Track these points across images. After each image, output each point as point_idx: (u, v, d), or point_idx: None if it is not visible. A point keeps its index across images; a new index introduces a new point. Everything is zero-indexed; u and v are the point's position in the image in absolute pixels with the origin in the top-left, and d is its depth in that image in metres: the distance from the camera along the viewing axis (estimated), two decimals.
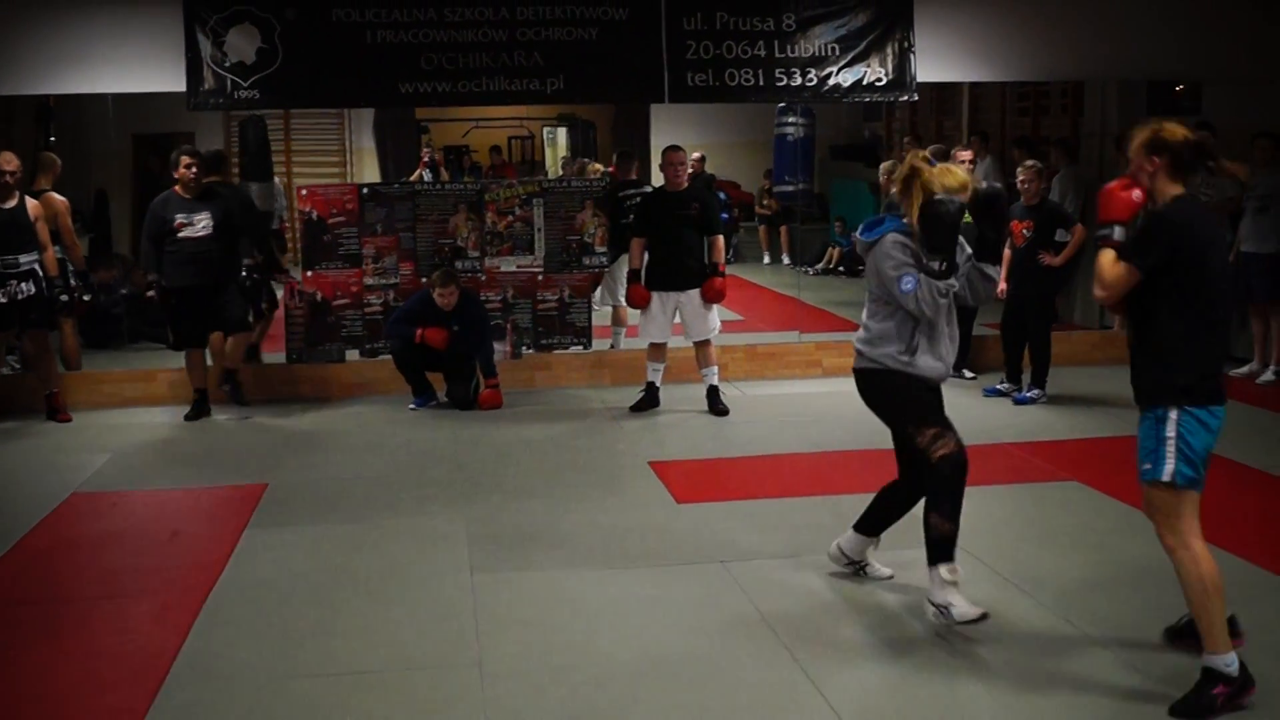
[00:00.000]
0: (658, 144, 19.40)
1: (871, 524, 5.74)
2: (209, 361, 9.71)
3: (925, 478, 5.26)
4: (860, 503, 6.92)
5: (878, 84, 10.21)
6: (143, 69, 9.59)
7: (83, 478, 7.79)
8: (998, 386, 9.90)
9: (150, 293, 9.32)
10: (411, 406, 9.67)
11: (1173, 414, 4.48)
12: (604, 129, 20.35)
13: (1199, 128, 10.49)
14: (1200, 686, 4.40)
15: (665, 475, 7.59)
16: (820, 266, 17.54)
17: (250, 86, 9.55)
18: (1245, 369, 10.40)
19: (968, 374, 10.59)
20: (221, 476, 7.90)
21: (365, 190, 10.50)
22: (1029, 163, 9.71)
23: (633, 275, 9.42)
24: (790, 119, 17.24)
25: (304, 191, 10.45)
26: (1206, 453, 4.50)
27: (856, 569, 5.79)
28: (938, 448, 5.17)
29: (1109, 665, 4.84)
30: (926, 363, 5.27)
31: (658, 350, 9.47)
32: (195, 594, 5.73)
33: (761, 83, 10.07)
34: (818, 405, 9.43)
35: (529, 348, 10.43)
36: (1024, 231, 9.44)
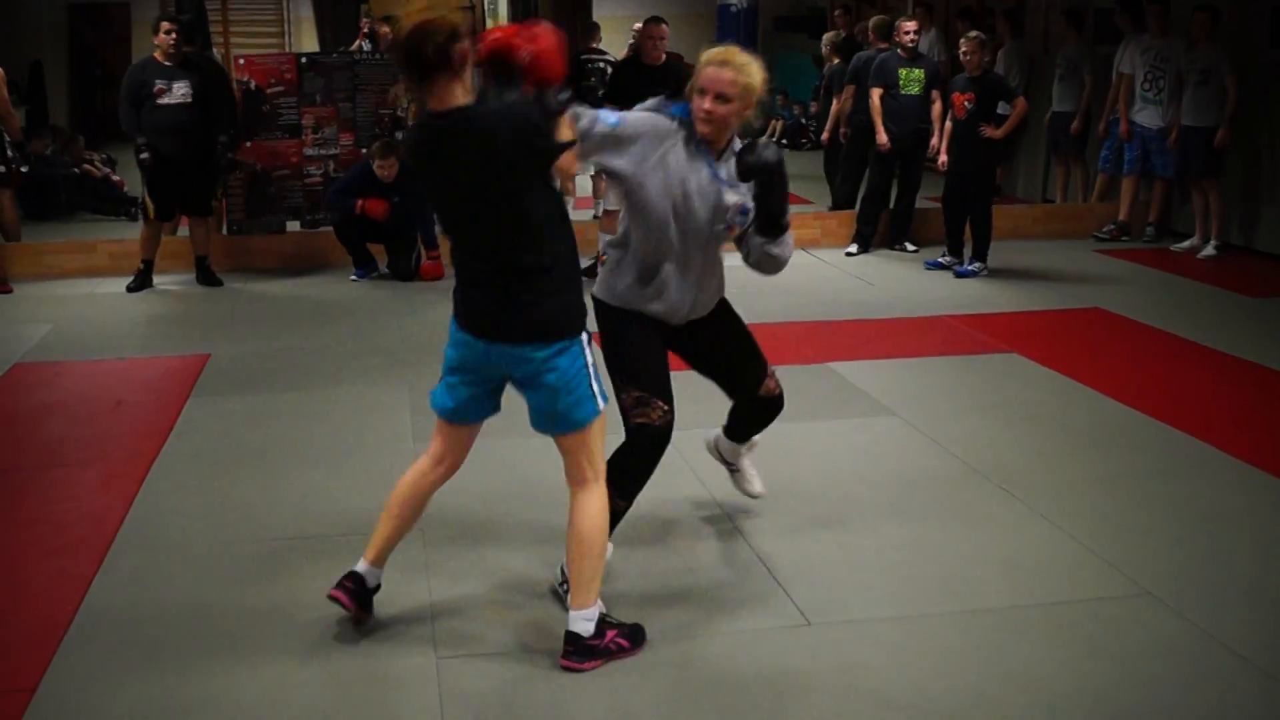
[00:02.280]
0: (600, 14, 19.14)
1: (737, 434, 4.98)
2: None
3: (621, 448, 4.32)
4: (801, 373, 7.04)
5: None
6: None
7: (25, 349, 7.74)
8: (939, 260, 9.97)
9: (143, 155, 9.11)
10: (353, 277, 9.64)
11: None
12: None
13: (1153, 1, 10.53)
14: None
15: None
16: (763, 140, 17.48)
17: None
18: (1186, 244, 10.52)
19: (910, 247, 10.67)
20: (164, 347, 7.87)
21: (304, 60, 10.34)
22: (972, 34, 9.67)
23: None
24: None
25: (242, 61, 10.29)
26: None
27: (728, 469, 5.10)
28: (637, 414, 4.28)
29: (1041, 530, 4.95)
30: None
31: (611, 220, 9.44)
32: (139, 462, 5.74)
33: None
34: (760, 277, 9.42)
35: None
36: (965, 104, 9.44)
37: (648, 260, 4.28)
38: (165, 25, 9.20)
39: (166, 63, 9.13)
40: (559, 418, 3.92)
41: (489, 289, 3.83)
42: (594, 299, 4.36)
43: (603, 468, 4.02)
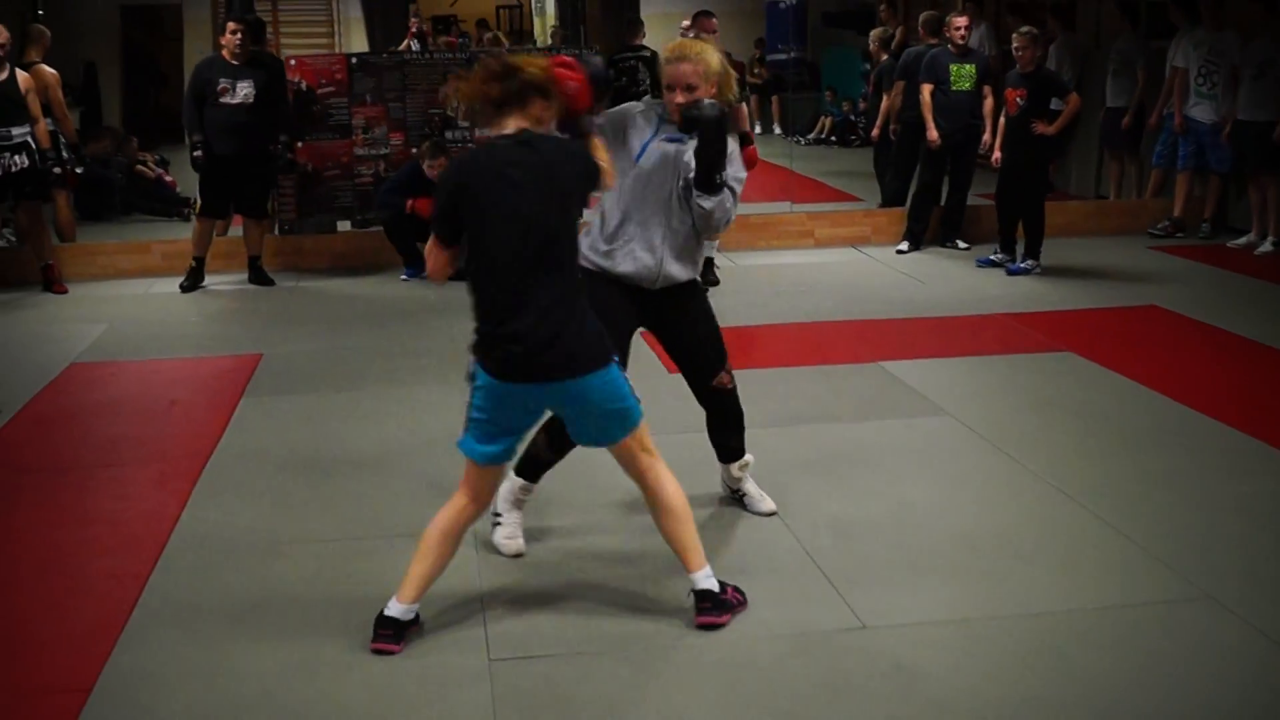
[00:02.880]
0: (647, 12, 19.07)
1: (724, 451, 5.08)
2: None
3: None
4: (852, 372, 7.01)
5: None
6: None
7: (80, 348, 7.81)
8: (991, 257, 9.89)
9: (196, 153, 9.20)
10: (404, 277, 9.67)
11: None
12: None
13: None
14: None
15: (656, 344, 7.59)
16: (812, 136, 17.41)
17: None
18: (1243, 240, 10.39)
19: (961, 244, 10.59)
20: (217, 347, 7.92)
21: (354, 60, 10.38)
22: (1024, 29, 9.58)
23: None
24: None
25: (293, 62, 10.34)
26: None
27: (736, 497, 5.15)
28: None
29: (1098, 533, 4.89)
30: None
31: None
32: (194, 462, 5.78)
33: None
34: (810, 275, 9.43)
35: None
36: (1018, 100, 9.36)
37: (612, 221, 4.59)
38: (231, 25, 9.29)
39: (233, 62, 9.20)
40: (607, 431, 4.03)
41: (524, 322, 3.86)
42: None
43: (654, 447, 4.13)
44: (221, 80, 9.14)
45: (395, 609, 4.04)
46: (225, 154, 9.17)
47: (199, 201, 9.33)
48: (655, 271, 4.63)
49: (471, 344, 4.01)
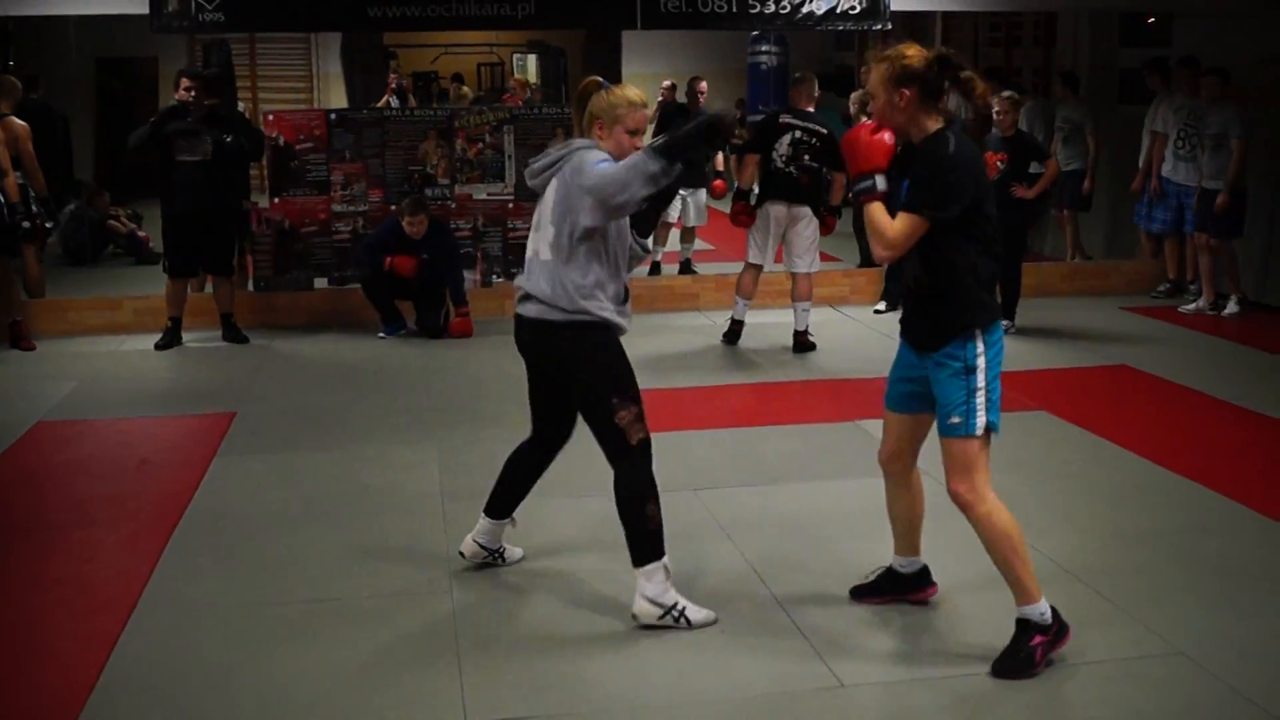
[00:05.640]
0: (629, 72, 19.19)
1: (504, 504, 5.04)
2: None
3: (618, 463, 4.56)
4: (830, 431, 7.00)
5: (851, 12, 10.13)
6: None
7: (48, 406, 7.74)
8: None
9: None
10: (381, 335, 9.64)
11: (980, 361, 4.17)
12: (575, 56, 20.16)
13: (1183, 63, 10.55)
14: (1018, 640, 4.22)
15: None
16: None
17: (215, 9, 9.38)
18: (1193, 306, 10.42)
19: None
20: (189, 405, 7.86)
21: (333, 116, 10.39)
22: (1006, 93, 9.65)
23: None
24: (763, 47, 17.16)
25: (270, 117, 10.34)
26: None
27: (494, 557, 5.10)
28: (637, 429, 4.52)
29: (1072, 589, 4.88)
30: (626, 312, 4.65)
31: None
32: (164, 522, 5.71)
33: (735, 9, 9.97)
34: (789, 335, 9.43)
35: (499, 276, 10.39)
36: (998, 164, 9.42)
37: (611, 284, 4.58)
38: (184, 82, 9.13)
39: (188, 118, 9.15)
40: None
41: None
42: (599, 319, 4.53)
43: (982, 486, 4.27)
44: (180, 138, 9.05)
45: (1032, 611, 4.22)
46: (186, 211, 9.13)
47: (167, 262, 9.23)
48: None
49: (975, 319, 4.18)
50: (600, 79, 4.68)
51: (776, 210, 9.02)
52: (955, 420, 4.20)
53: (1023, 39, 14.61)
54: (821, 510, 5.77)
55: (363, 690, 4.14)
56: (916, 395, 4.45)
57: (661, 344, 9.20)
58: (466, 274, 9.95)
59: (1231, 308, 10.23)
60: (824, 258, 12.25)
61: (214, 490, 6.19)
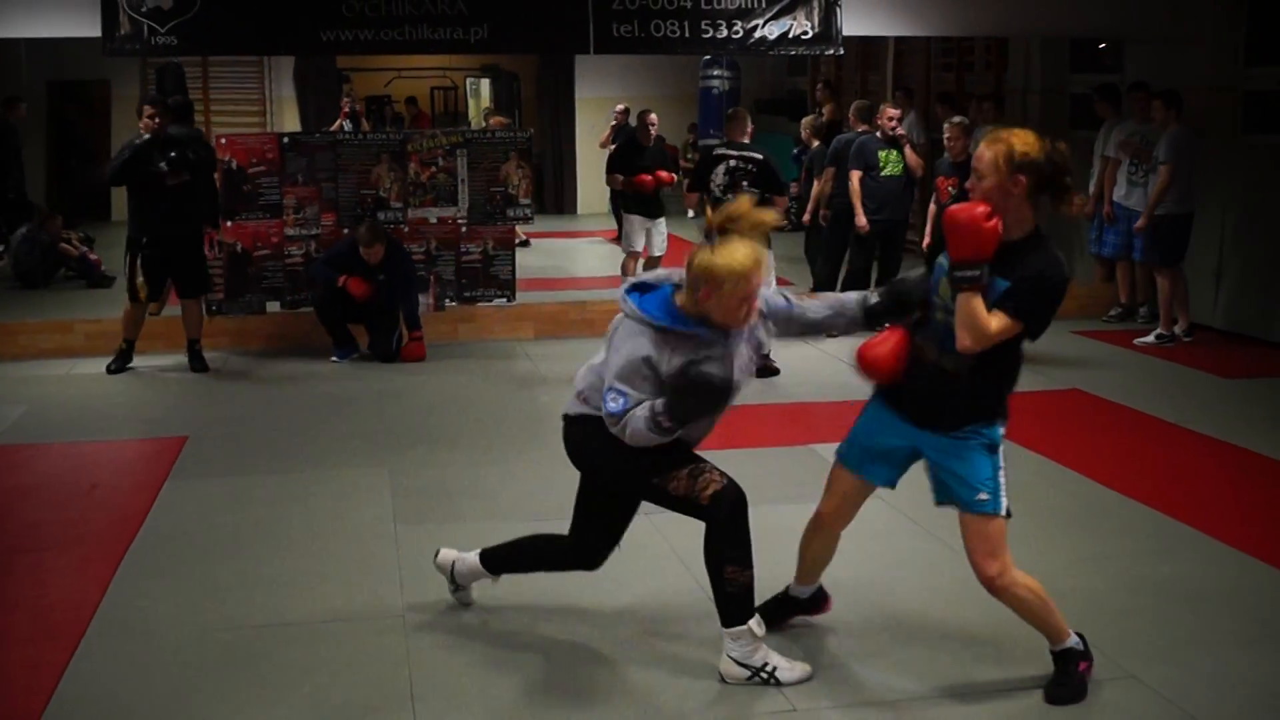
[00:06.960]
0: (582, 97, 19.25)
1: (503, 564, 4.84)
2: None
3: (706, 526, 4.37)
4: (782, 455, 7.02)
5: (804, 37, 10.18)
6: (57, 13, 9.28)
7: None
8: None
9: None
10: (334, 359, 9.60)
11: (1001, 440, 4.20)
12: (528, 80, 20.20)
13: (1133, 88, 10.68)
14: (1065, 670, 4.28)
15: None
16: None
17: (168, 32, 9.32)
18: (1151, 337, 10.51)
19: None
20: (141, 429, 7.81)
21: (286, 140, 10.36)
22: (956, 119, 9.75)
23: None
24: (715, 72, 17.22)
25: (223, 140, 10.30)
26: None
27: (456, 588, 4.95)
28: (702, 484, 4.35)
29: None
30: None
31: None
32: (115, 546, 5.67)
33: (688, 34, 10.00)
34: None
35: (452, 300, 10.39)
36: (949, 188, 9.50)
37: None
38: (147, 110, 9.06)
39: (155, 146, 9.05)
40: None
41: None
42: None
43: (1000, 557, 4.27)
44: (156, 162, 8.96)
45: (1068, 643, 4.31)
46: (158, 235, 9.06)
47: (144, 288, 9.10)
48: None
49: (1004, 406, 4.32)
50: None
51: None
52: (984, 497, 4.18)
53: (974, 64, 14.73)
54: (774, 534, 5.77)
55: (315, 716, 4.11)
56: (887, 464, 4.49)
57: None
58: (420, 298, 9.93)
59: (1180, 333, 10.30)
60: (776, 281, 12.28)
61: (165, 514, 6.15)
